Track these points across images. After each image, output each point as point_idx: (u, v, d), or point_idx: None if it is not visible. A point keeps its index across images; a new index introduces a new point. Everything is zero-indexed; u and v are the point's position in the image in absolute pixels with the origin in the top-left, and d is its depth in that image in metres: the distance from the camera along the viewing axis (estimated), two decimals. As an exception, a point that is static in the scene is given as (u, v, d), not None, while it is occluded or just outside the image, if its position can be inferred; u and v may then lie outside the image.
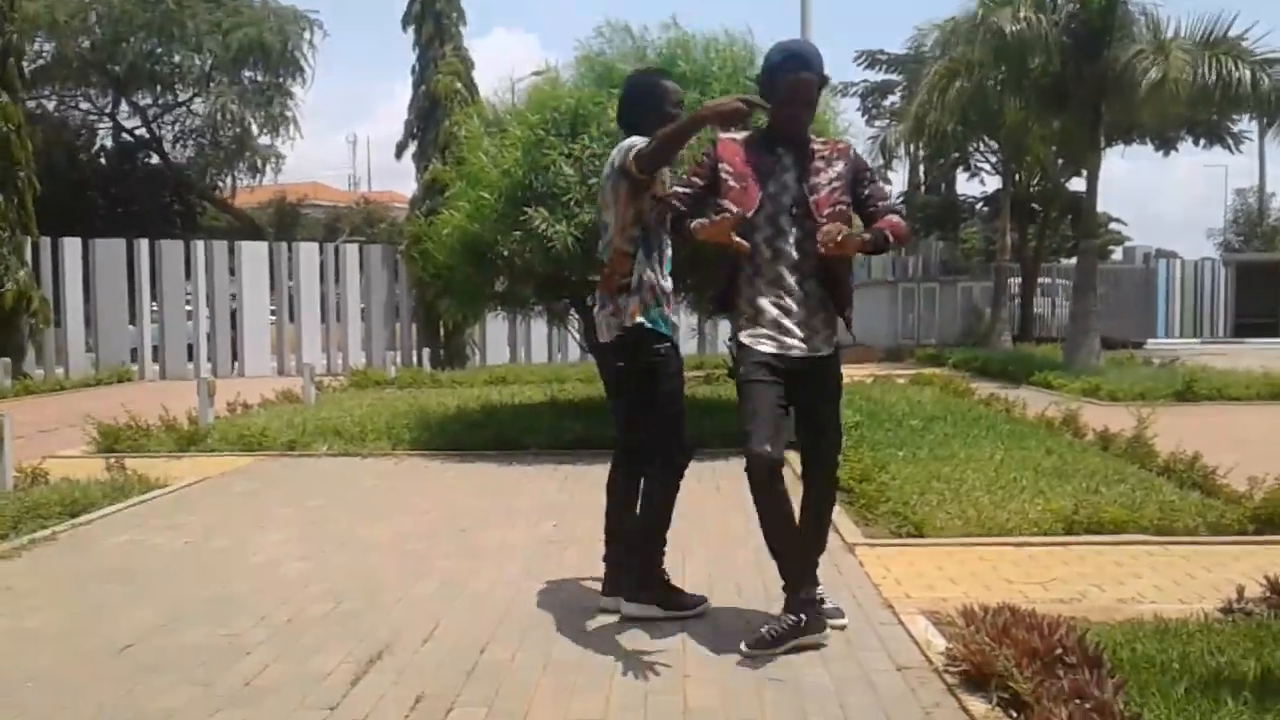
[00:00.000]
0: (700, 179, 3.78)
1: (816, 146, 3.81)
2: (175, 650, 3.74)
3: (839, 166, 3.77)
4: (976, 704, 3.04)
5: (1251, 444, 8.47)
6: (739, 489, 6.49)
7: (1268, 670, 3.09)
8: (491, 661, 3.55)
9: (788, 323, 3.68)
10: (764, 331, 3.69)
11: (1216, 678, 3.04)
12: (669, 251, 4.04)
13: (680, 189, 3.80)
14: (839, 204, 3.72)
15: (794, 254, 3.69)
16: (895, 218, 3.73)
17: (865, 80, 26.81)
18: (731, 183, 3.71)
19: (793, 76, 3.71)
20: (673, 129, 3.70)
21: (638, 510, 4.06)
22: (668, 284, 4.00)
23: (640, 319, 3.85)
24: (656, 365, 3.89)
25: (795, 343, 3.68)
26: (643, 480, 4.07)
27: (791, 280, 3.69)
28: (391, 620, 4.02)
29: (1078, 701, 2.78)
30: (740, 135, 3.85)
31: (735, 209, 3.61)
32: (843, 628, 3.80)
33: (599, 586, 4.38)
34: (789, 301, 3.69)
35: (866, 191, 3.80)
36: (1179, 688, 2.96)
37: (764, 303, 3.70)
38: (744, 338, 3.72)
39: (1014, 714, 2.94)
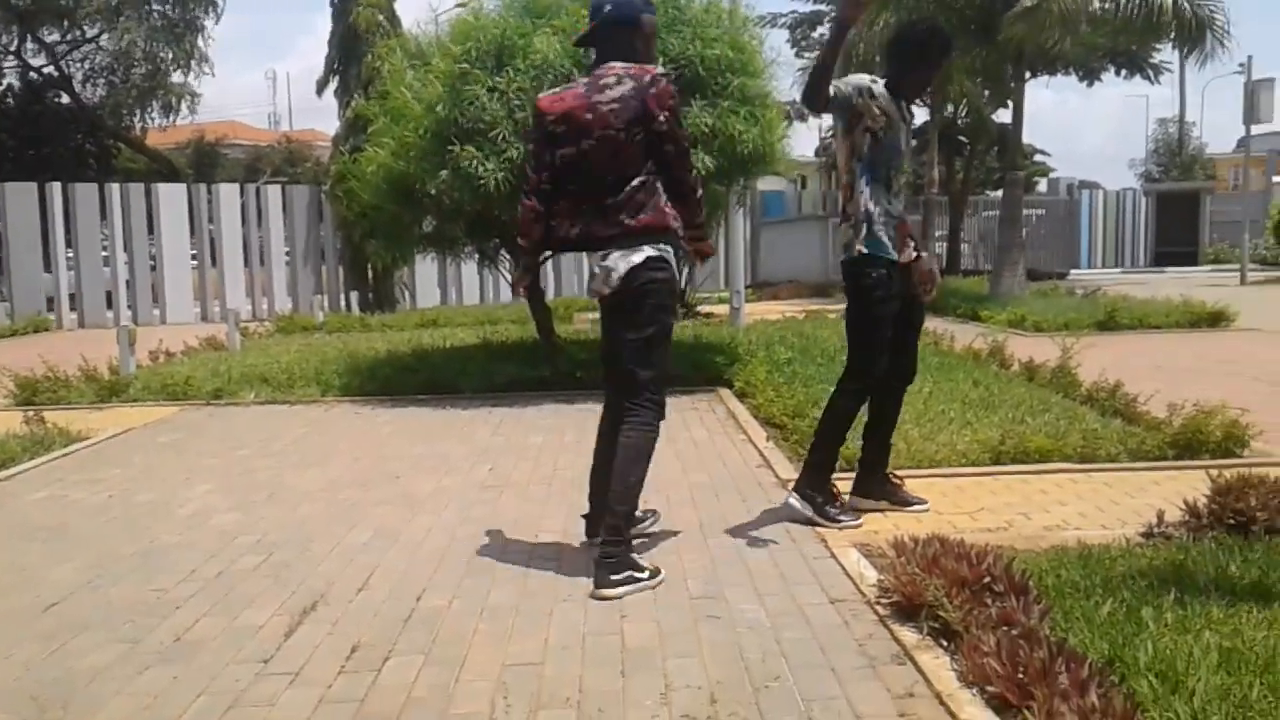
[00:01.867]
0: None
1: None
2: (102, 607, 3.66)
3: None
4: (908, 634, 3.10)
5: (1170, 371, 8.71)
6: (670, 429, 6.52)
7: (1186, 592, 3.19)
8: (428, 609, 3.53)
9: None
10: None
11: (1138, 600, 3.12)
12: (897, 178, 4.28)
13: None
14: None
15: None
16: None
17: (794, 11, 26.74)
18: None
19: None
20: (816, 58, 4.04)
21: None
22: (894, 208, 4.25)
23: (861, 249, 4.18)
24: (865, 289, 4.22)
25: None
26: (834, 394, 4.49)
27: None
28: (325, 570, 3.97)
29: (1005, 628, 2.84)
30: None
31: None
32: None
33: (536, 530, 4.38)
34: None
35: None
36: (1102, 611, 3.04)
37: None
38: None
39: (944, 642, 3.00)
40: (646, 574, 3.63)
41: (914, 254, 4.32)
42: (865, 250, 4.20)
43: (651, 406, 3.77)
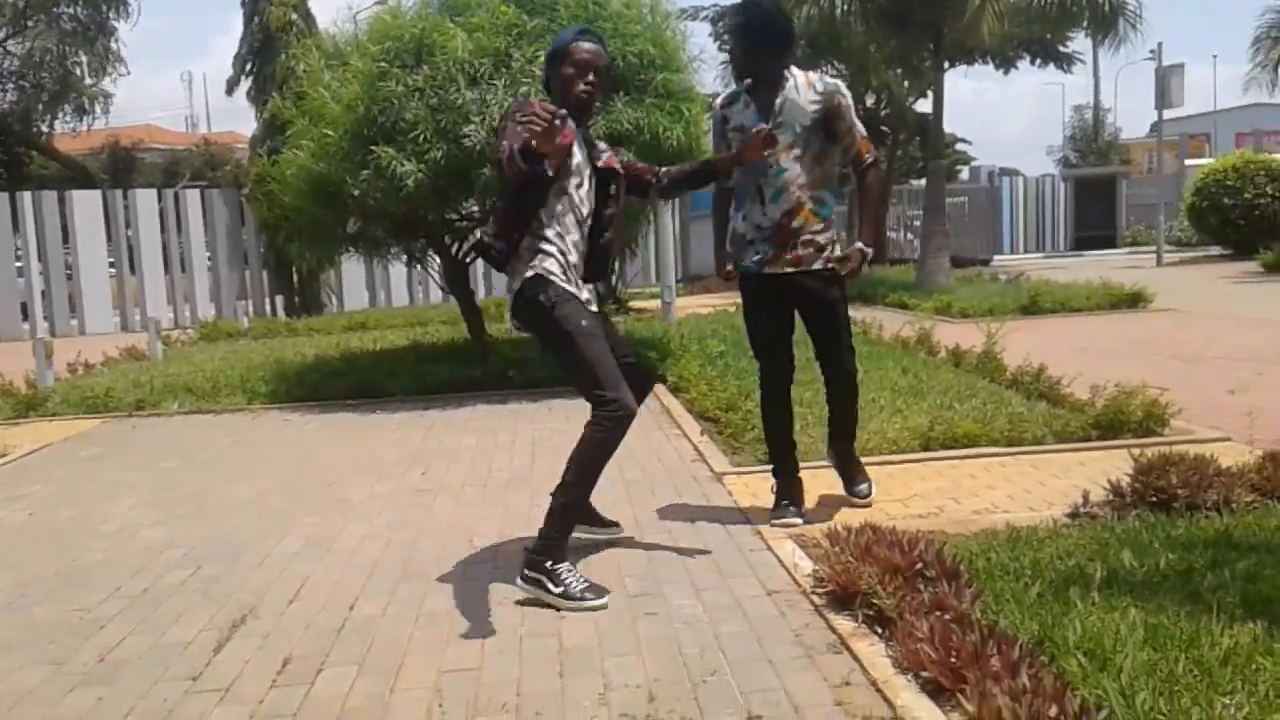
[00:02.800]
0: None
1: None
2: (24, 628, 3.55)
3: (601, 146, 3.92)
4: (843, 622, 3.12)
5: (1092, 353, 8.90)
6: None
7: (1112, 570, 3.26)
8: (361, 618, 3.47)
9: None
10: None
11: (1066, 580, 3.18)
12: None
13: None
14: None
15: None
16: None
17: (715, 4, 26.73)
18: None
19: (586, 46, 3.78)
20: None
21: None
22: (768, 218, 4.23)
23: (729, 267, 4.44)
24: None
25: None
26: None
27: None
28: (254, 583, 3.90)
29: (938, 613, 2.87)
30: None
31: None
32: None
33: (471, 533, 4.34)
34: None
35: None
36: (1032, 592, 3.09)
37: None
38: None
39: (879, 630, 3.03)
40: (558, 590, 3.48)
41: (799, 260, 4.23)
42: (732, 267, 4.34)
43: (598, 410, 3.62)
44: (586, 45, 3.77)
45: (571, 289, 3.70)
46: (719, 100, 4.35)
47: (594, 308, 3.80)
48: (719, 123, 4.28)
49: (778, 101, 4.11)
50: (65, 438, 7.29)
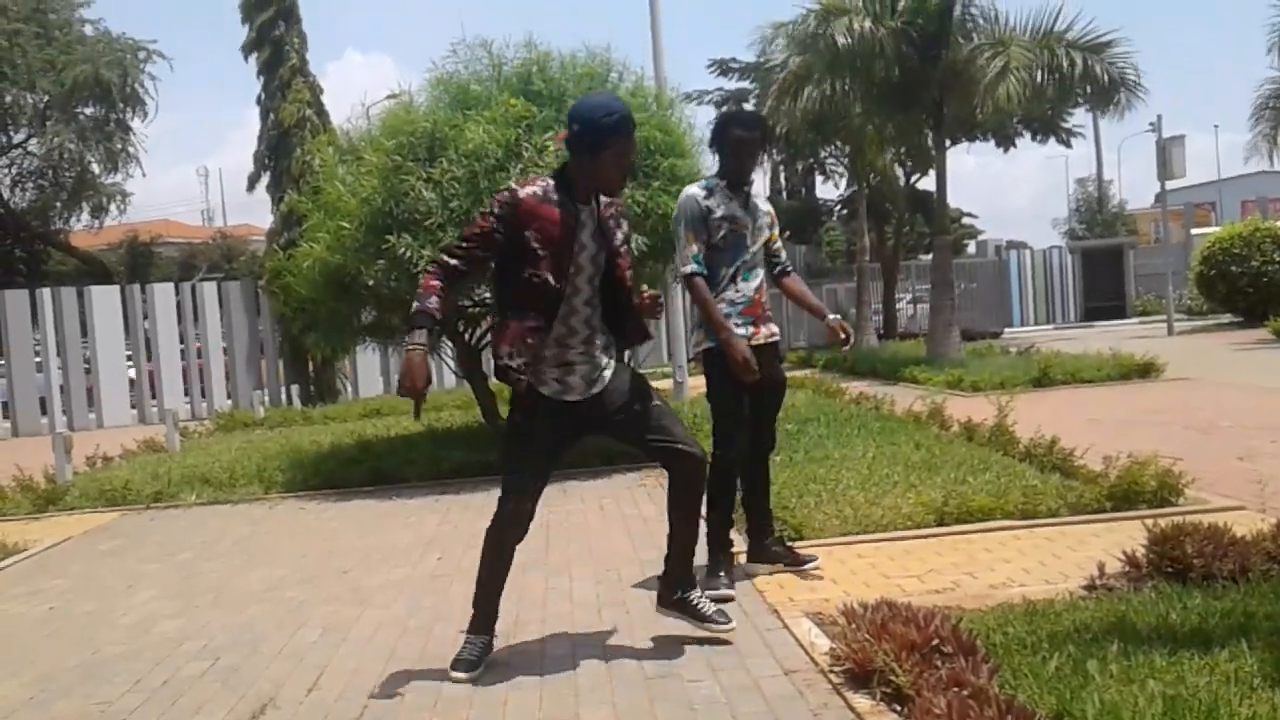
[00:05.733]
0: (484, 249, 3.72)
1: (603, 202, 3.80)
2: (43, 725, 3.57)
3: (625, 225, 3.87)
4: (861, 700, 3.12)
5: (1105, 424, 8.90)
6: (621, 507, 6.54)
7: (1130, 643, 3.25)
8: (380, 706, 3.48)
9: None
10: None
11: (1084, 653, 3.18)
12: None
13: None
14: (628, 265, 3.86)
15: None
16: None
17: (720, 89, 27.29)
18: (539, 248, 3.64)
19: (627, 134, 3.73)
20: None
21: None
22: (741, 294, 4.57)
23: (708, 344, 4.58)
24: (711, 375, 4.63)
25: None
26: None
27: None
28: (273, 673, 3.91)
29: (956, 689, 2.87)
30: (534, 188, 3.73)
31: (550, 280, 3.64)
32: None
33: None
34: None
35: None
36: (1049, 666, 3.09)
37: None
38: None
39: (897, 707, 3.03)
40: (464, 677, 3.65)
41: (771, 334, 4.65)
42: (710, 344, 4.52)
43: (499, 505, 3.83)
44: (627, 134, 3.69)
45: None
46: (695, 191, 4.61)
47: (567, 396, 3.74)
48: (701, 211, 4.51)
49: (751, 203, 4.64)
50: (84, 531, 7.33)
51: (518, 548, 3.86)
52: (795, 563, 4.72)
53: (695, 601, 3.88)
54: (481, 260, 3.73)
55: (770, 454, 4.86)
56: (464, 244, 3.70)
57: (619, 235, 3.81)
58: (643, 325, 3.95)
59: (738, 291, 4.54)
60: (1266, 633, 3.25)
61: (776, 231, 4.78)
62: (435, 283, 3.64)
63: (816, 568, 4.67)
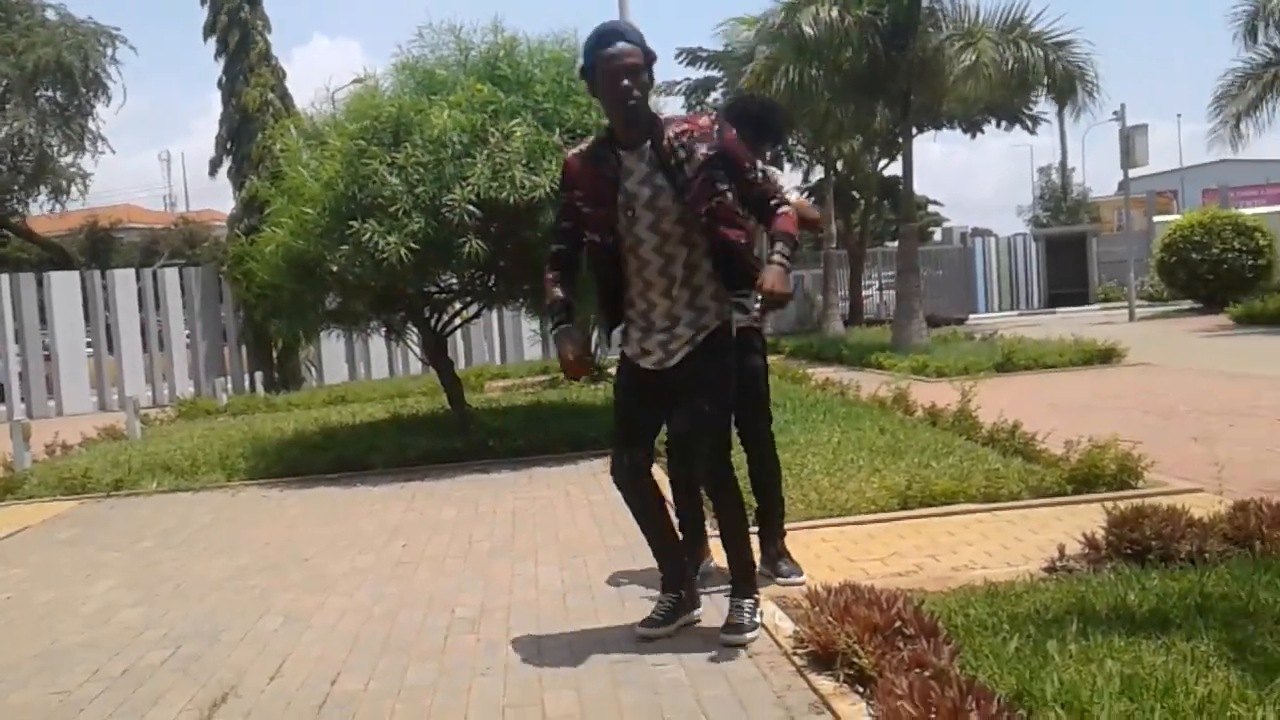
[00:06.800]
0: (569, 220, 3.72)
1: (673, 132, 3.49)
2: (3, 714, 3.52)
3: (702, 149, 3.45)
4: (824, 682, 3.14)
5: (1066, 409, 8.99)
6: (587, 493, 6.54)
7: (1089, 623, 3.29)
8: (343, 693, 3.46)
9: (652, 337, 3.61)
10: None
11: (1043, 634, 3.21)
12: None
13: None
14: (714, 196, 3.46)
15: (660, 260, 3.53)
16: (787, 213, 3.57)
17: (688, 78, 27.22)
18: (584, 208, 3.60)
19: (609, 52, 3.44)
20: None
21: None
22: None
23: None
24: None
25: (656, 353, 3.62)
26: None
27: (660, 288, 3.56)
28: (235, 661, 3.88)
29: (918, 670, 2.89)
30: (584, 145, 3.69)
31: (597, 238, 3.58)
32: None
33: (452, 604, 4.34)
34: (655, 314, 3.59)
35: (756, 192, 3.57)
36: (1010, 647, 3.11)
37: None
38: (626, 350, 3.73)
39: (860, 688, 3.05)
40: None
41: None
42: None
43: None
44: (608, 51, 3.45)
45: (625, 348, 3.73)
46: None
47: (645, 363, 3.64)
48: None
49: None
50: (43, 520, 7.23)
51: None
52: (779, 573, 4.35)
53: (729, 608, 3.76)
54: (572, 232, 3.68)
55: (754, 449, 4.50)
56: (557, 226, 3.77)
57: (689, 167, 3.43)
58: (748, 267, 3.53)
59: None
60: (1223, 613, 3.30)
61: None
62: (549, 276, 3.69)
63: (801, 583, 4.19)
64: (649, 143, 3.48)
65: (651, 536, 3.83)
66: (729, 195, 3.50)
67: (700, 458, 3.64)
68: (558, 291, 3.64)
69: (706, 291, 3.57)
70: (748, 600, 3.70)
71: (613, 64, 3.43)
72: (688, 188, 3.43)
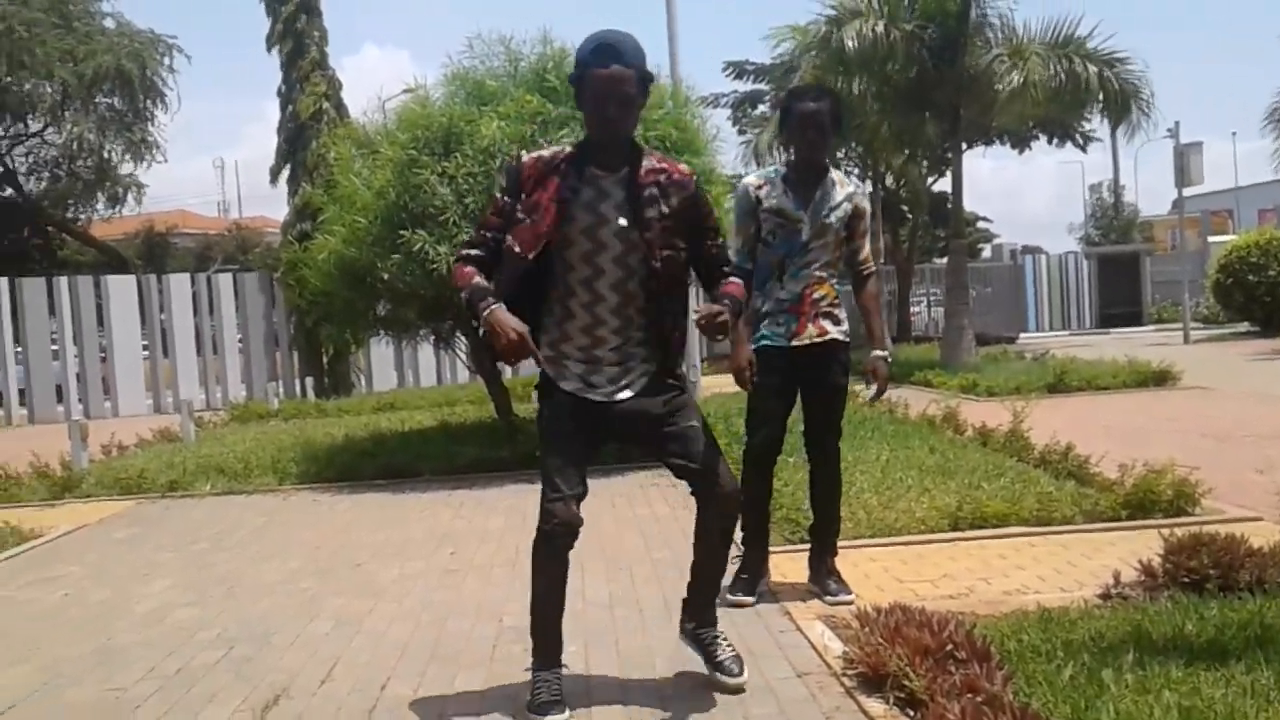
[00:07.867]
0: (495, 230, 3.31)
1: (650, 166, 3.30)
2: (59, 710, 3.59)
3: (675, 199, 3.28)
4: (874, 704, 3.11)
5: (1120, 432, 8.86)
6: (633, 505, 6.54)
7: (1145, 652, 3.24)
8: (393, 698, 3.49)
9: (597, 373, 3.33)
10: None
11: (1098, 662, 3.17)
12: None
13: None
14: (668, 249, 3.27)
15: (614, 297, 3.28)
16: (736, 281, 3.43)
17: (735, 90, 27.21)
18: (526, 217, 3.23)
19: (602, 74, 3.17)
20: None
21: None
22: (787, 291, 4.27)
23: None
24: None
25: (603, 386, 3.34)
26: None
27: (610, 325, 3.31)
28: (286, 664, 3.92)
29: (970, 695, 2.86)
30: (545, 152, 3.36)
31: (518, 249, 3.22)
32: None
33: (500, 613, 4.36)
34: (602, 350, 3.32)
35: (712, 254, 3.42)
36: (1064, 674, 3.08)
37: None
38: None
39: (910, 712, 3.02)
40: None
41: (821, 332, 4.29)
42: (752, 344, 4.27)
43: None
44: (603, 73, 3.17)
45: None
46: (750, 179, 4.38)
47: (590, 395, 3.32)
48: (750, 202, 4.28)
49: (818, 194, 4.25)
50: (100, 519, 7.37)
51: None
52: (827, 591, 4.31)
53: (709, 641, 3.46)
54: (495, 242, 3.28)
55: (821, 466, 4.48)
56: (479, 231, 3.39)
57: (652, 210, 3.23)
58: (682, 328, 3.41)
59: (783, 289, 4.26)
60: (1283, 645, 3.24)
61: (862, 228, 4.36)
62: (466, 270, 3.26)
63: (850, 602, 4.15)
64: (627, 169, 3.27)
65: (551, 605, 3.38)
66: (682, 255, 3.33)
67: (729, 468, 3.44)
68: (479, 280, 3.22)
69: (659, 329, 3.36)
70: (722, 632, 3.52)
71: (604, 87, 3.17)
72: (649, 227, 3.24)
